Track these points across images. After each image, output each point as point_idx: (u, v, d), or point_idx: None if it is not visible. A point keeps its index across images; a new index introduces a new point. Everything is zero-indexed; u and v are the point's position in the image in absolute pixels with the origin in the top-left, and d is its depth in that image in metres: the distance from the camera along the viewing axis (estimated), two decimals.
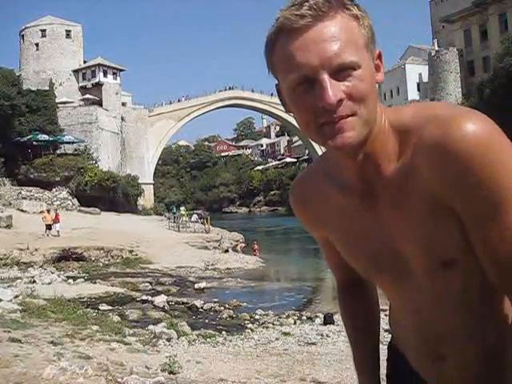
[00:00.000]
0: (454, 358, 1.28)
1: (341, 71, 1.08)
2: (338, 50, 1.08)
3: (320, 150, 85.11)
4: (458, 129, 1.07)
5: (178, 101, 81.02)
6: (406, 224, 1.19)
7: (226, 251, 29.48)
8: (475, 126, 1.07)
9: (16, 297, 12.70)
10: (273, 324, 13.46)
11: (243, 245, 33.07)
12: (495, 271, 1.12)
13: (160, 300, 15.85)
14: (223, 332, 12.25)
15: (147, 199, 66.78)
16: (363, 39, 1.12)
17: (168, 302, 15.88)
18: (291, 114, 1.14)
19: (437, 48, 69.67)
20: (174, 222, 40.25)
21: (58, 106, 60.42)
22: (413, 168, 1.14)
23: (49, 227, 27.58)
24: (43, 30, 67.40)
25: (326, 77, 1.08)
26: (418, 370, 1.41)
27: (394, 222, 1.21)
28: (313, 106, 1.10)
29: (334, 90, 1.07)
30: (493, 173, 1.06)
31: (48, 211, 31.13)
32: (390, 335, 1.63)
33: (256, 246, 30.50)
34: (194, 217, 42.97)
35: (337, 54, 1.08)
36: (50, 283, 17.29)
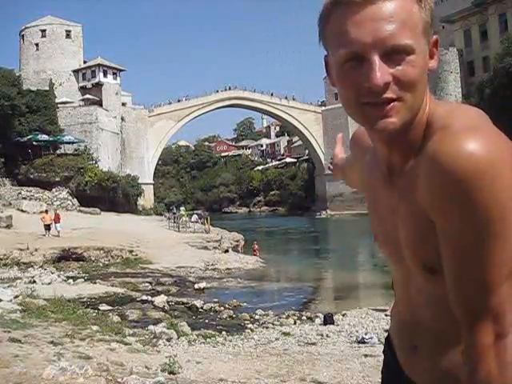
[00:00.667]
0: (425, 350, 1.29)
1: (393, 54, 1.06)
2: (394, 31, 1.05)
3: (320, 150, 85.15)
4: (456, 145, 1.02)
5: (178, 101, 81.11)
6: (402, 220, 1.20)
7: (226, 251, 29.47)
8: (475, 147, 1.00)
9: (16, 297, 12.69)
10: (273, 324, 13.47)
11: (243, 242, 33.07)
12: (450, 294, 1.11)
13: (160, 300, 15.85)
14: (223, 332, 12.25)
15: (147, 199, 66.80)
16: (422, 23, 1.08)
17: (168, 302, 15.88)
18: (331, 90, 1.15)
19: None
20: (174, 222, 40.24)
21: (58, 106, 60.50)
22: (419, 171, 1.13)
23: (48, 227, 27.57)
24: (43, 30, 67.49)
25: (376, 57, 1.06)
26: (399, 359, 1.42)
27: (400, 212, 1.21)
28: (358, 84, 1.08)
29: (382, 72, 1.05)
30: (472, 206, 1.00)
31: (46, 211, 31.13)
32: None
33: (256, 246, 30.50)
34: (194, 217, 42.97)
35: (392, 35, 1.05)
36: (49, 283, 17.28)
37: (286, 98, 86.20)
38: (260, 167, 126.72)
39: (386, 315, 12.90)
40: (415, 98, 1.09)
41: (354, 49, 1.07)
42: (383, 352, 1.60)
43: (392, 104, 1.08)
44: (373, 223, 1.39)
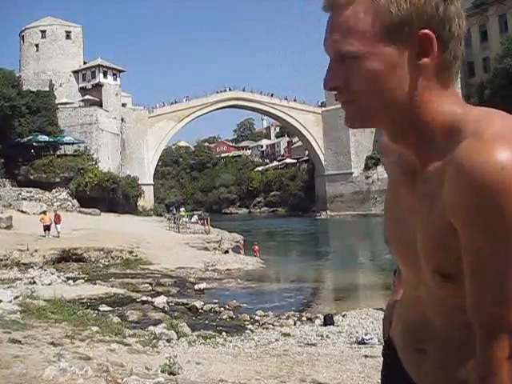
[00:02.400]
0: (433, 354, 1.27)
1: (342, 59, 1.10)
2: (338, 38, 1.09)
3: (320, 151, 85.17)
4: (487, 155, 0.98)
5: (175, 102, 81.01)
6: (422, 223, 1.17)
7: (226, 252, 29.47)
8: (508, 159, 0.97)
9: (16, 298, 12.68)
10: (273, 325, 13.47)
11: (242, 242, 33.08)
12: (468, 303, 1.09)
13: (160, 301, 15.85)
14: (223, 333, 12.25)
15: (147, 200, 66.80)
16: (380, 26, 1.08)
17: (168, 303, 15.89)
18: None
19: None
20: (174, 222, 40.27)
21: (58, 106, 60.53)
22: (442, 175, 1.09)
23: (47, 228, 27.57)
24: (43, 31, 67.57)
25: (332, 62, 1.12)
26: (402, 361, 1.40)
27: (421, 213, 1.18)
28: None
29: (330, 75, 1.12)
30: (499, 219, 0.97)
31: (45, 212, 31.14)
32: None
33: (256, 247, 30.50)
34: (194, 218, 42.99)
35: (336, 42, 1.10)
36: (49, 284, 17.28)
37: (286, 98, 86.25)
38: (260, 168, 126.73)
39: None
40: (372, 99, 1.10)
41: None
42: (383, 353, 1.59)
43: (347, 105, 1.13)
44: (386, 225, 1.36)
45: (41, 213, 33.76)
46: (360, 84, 1.09)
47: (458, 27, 1.12)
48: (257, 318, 14.42)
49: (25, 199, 45.14)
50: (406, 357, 1.38)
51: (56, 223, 28.10)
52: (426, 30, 1.07)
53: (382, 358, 1.59)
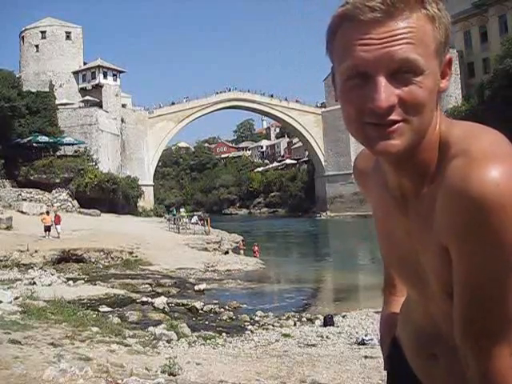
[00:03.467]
0: (445, 360, 1.27)
1: (400, 74, 1.02)
2: (402, 51, 1.01)
3: (320, 152, 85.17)
4: (479, 174, 0.97)
5: (173, 103, 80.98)
6: (422, 246, 1.16)
7: (226, 253, 29.49)
8: (500, 177, 0.96)
9: (16, 298, 12.68)
10: (273, 325, 13.46)
11: (242, 243, 33.09)
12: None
13: (160, 301, 15.84)
14: (223, 333, 12.25)
15: (147, 201, 66.78)
16: (435, 43, 1.05)
17: (168, 304, 15.87)
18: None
19: None
20: (174, 223, 40.29)
21: (58, 107, 60.52)
22: (436, 198, 1.08)
23: (48, 229, 27.58)
24: (43, 32, 67.57)
25: (381, 78, 1.02)
26: (410, 363, 1.41)
27: (418, 237, 1.17)
28: (361, 103, 1.05)
29: (387, 93, 1.02)
30: (492, 237, 0.97)
31: (47, 213, 31.14)
32: None
33: (256, 248, 30.51)
34: (194, 218, 43.00)
35: (400, 55, 1.01)
36: (49, 285, 17.27)
37: (286, 99, 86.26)
38: (260, 169, 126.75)
39: None
40: (422, 120, 1.05)
41: (358, 66, 1.04)
42: (388, 356, 1.59)
43: (396, 126, 1.04)
44: (385, 250, 1.35)
45: (41, 213, 33.81)
46: (418, 102, 1.03)
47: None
48: (257, 318, 14.41)
49: (25, 200, 45.12)
50: (416, 361, 1.38)
51: (56, 224, 28.12)
52: (450, 55, 1.09)
53: (388, 359, 1.59)
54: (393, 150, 1.05)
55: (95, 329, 9.85)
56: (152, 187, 75.15)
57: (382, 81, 1.02)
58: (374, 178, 1.31)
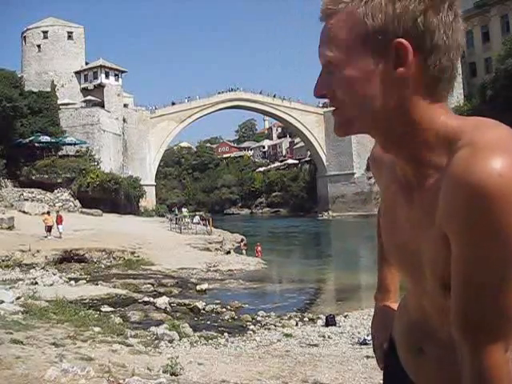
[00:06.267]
0: (434, 355, 1.27)
1: (329, 68, 1.14)
2: (323, 49, 1.15)
3: (322, 152, 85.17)
4: (483, 165, 0.98)
5: (173, 104, 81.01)
6: (423, 236, 1.16)
7: (228, 253, 29.47)
8: (505, 169, 0.97)
9: (18, 298, 12.71)
10: (274, 325, 13.45)
11: (244, 243, 33.08)
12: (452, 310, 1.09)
13: (162, 301, 15.84)
14: (225, 333, 12.24)
15: (149, 201, 66.85)
16: (356, 34, 1.09)
17: (170, 304, 15.87)
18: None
19: None
20: (176, 223, 40.30)
21: (60, 107, 60.60)
22: (439, 187, 1.08)
23: (49, 229, 27.58)
24: (45, 32, 67.61)
25: (321, 71, 1.17)
26: (401, 360, 1.41)
27: (419, 226, 1.17)
28: None
29: (319, 84, 1.17)
30: (493, 229, 0.97)
31: (48, 213, 31.15)
32: None
33: (259, 248, 30.48)
34: (196, 218, 43.00)
35: (321, 53, 1.15)
36: (51, 285, 17.28)
37: (287, 99, 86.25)
38: (262, 169, 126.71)
39: None
40: (352, 107, 1.13)
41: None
42: (385, 354, 1.59)
43: (334, 113, 1.18)
44: (386, 237, 1.36)
45: (43, 213, 33.82)
46: (340, 92, 1.14)
47: (445, 38, 1.08)
48: (259, 318, 14.40)
49: (27, 200, 45.17)
50: (406, 356, 1.39)
51: (58, 224, 28.12)
52: (401, 39, 1.06)
53: (385, 359, 1.60)
54: (335, 133, 1.21)
55: (97, 329, 9.86)
56: (154, 187, 75.20)
57: (320, 72, 1.17)
58: (387, 166, 1.33)
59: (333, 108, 1.18)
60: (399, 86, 1.09)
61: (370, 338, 10.70)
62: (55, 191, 51.28)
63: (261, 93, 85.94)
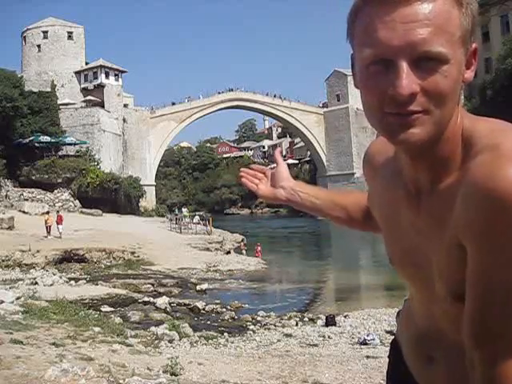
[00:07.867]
0: (445, 362, 1.24)
1: (424, 61, 0.97)
2: (427, 36, 0.96)
3: (322, 152, 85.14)
4: (506, 169, 0.94)
5: (173, 103, 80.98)
6: (432, 243, 1.12)
7: (228, 253, 29.49)
8: None
9: (18, 298, 12.71)
10: (274, 325, 13.46)
11: (244, 243, 33.10)
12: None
13: (162, 301, 15.85)
14: (225, 333, 12.25)
15: (149, 201, 66.83)
16: (461, 31, 0.99)
17: (170, 304, 15.88)
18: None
19: None
20: (176, 223, 40.31)
21: (60, 107, 60.56)
22: (456, 192, 1.04)
23: (50, 229, 27.57)
24: (45, 32, 67.55)
25: (404, 64, 0.97)
26: (410, 367, 1.38)
27: (428, 234, 1.13)
28: (382, 91, 0.99)
29: (409, 80, 0.96)
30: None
31: (48, 213, 31.13)
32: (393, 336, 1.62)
33: (259, 248, 30.48)
34: (196, 218, 42.99)
35: (425, 40, 0.96)
36: (51, 285, 17.28)
37: (286, 98, 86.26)
38: None
39: (389, 316, 12.89)
40: (444, 112, 1.01)
41: (380, 51, 0.98)
42: (389, 356, 1.57)
43: (416, 116, 0.99)
44: (389, 244, 1.31)
45: (43, 213, 33.82)
46: (441, 93, 0.99)
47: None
48: (259, 318, 14.41)
49: (27, 200, 45.17)
50: (418, 367, 1.35)
51: (58, 224, 28.12)
52: (476, 44, 1.03)
53: (388, 360, 1.58)
54: (413, 140, 1.00)
55: (97, 329, 9.86)
56: (154, 187, 75.19)
57: (404, 67, 0.97)
58: (387, 167, 1.27)
59: (416, 110, 0.99)
60: (460, 90, 1.05)
61: (370, 338, 10.72)
62: (55, 191, 51.26)
63: (267, 94, 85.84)
